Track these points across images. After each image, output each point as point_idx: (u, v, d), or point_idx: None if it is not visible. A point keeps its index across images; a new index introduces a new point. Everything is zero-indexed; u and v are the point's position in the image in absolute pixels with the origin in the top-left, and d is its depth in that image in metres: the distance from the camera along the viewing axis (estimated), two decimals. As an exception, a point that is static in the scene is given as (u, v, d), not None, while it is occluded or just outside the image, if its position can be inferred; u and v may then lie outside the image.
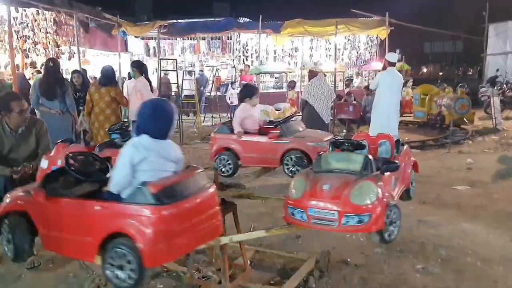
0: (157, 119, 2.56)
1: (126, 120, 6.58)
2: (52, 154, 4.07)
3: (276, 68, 18.08)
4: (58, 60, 8.66)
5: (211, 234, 2.62)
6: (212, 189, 2.65)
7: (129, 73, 11.48)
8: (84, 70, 11.30)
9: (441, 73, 25.92)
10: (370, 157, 3.02)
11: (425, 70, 29.36)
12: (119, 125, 4.86)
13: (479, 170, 6.82)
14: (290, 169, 4.74)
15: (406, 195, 3.56)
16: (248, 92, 5.43)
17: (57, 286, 3.23)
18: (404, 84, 15.32)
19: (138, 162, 2.44)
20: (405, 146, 3.81)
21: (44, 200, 2.67)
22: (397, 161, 3.18)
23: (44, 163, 3.91)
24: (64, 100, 6.23)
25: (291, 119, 5.70)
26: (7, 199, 2.88)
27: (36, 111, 6.29)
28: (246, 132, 5.13)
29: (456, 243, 3.94)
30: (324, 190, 2.82)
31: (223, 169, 5.10)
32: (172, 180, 2.48)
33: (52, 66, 6.36)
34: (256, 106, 5.39)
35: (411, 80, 16.41)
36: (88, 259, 2.67)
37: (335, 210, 2.72)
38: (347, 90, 13.65)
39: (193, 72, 15.95)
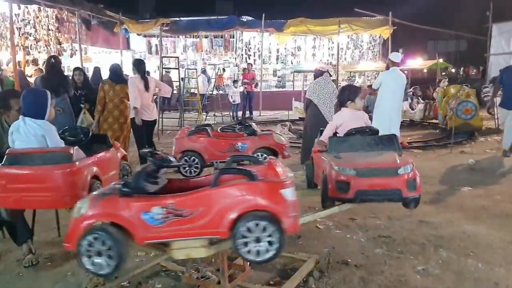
0: (23, 102, 3.27)
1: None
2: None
3: (312, 67, 17.94)
4: (60, 57, 8.66)
5: (45, 203, 3.07)
6: (69, 169, 2.98)
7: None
8: (98, 68, 11.09)
9: (443, 73, 25.66)
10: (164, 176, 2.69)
11: (453, 70, 27.86)
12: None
13: (481, 171, 6.78)
14: None
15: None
16: (351, 94, 4.23)
17: (55, 285, 3.22)
18: (437, 84, 15.00)
19: (11, 133, 3.23)
20: (246, 180, 2.43)
21: None
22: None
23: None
24: (65, 98, 6.23)
25: (361, 132, 4.09)
26: None
27: None
28: None
29: (457, 244, 3.91)
30: None
31: None
32: (18, 151, 3.12)
33: (55, 64, 6.36)
34: (360, 109, 4.24)
35: (446, 80, 14.45)
36: None
37: None
38: None
39: (205, 70, 15.79)
